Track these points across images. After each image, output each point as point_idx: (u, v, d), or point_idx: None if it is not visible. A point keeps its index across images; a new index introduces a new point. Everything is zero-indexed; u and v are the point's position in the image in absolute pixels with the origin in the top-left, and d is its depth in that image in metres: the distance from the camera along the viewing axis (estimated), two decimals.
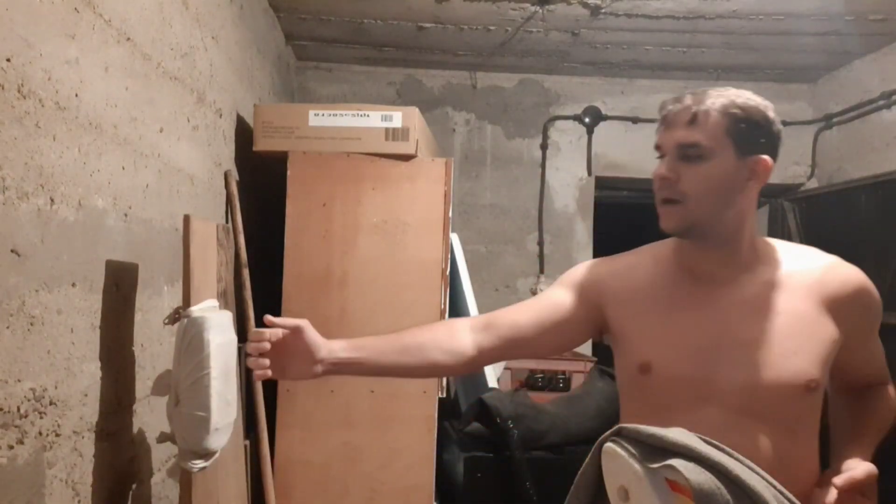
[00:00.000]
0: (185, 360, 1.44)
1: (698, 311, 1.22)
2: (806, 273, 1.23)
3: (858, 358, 1.29)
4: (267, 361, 1.19)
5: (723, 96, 1.18)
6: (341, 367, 1.25)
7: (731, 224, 1.21)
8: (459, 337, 1.32)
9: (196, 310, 1.51)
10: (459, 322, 1.37)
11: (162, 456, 1.77)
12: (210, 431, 1.44)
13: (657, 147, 1.25)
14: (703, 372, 1.18)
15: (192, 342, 1.44)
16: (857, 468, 1.13)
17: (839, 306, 1.21)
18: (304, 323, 1.23)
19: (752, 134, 1.18)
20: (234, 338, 1.61)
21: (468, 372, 1.46)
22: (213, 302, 1.67)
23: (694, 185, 1.18)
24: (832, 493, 1.10)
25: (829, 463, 1.21)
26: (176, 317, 1.53)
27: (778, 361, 1.17)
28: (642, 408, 1.24)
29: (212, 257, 1.76)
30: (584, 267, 1.38)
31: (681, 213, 1.20)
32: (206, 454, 1.49)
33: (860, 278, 1.26)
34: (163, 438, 1.54)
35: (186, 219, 1.60)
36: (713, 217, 1.19)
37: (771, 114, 1.21)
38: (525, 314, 1.34)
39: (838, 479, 1.11)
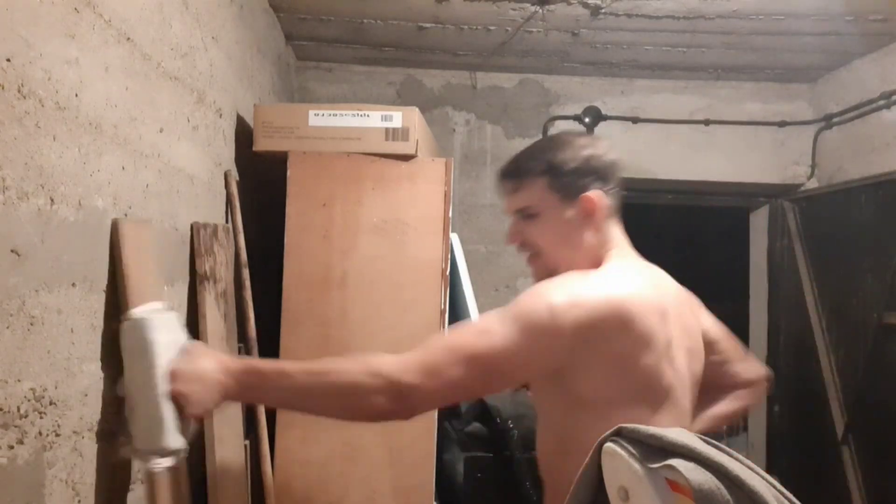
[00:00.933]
0: (131, 363, 1.43)
1: None
2: None
3: None
4: None
5: (537, 157, 1.33)
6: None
7: (582, 260, 1.32)
8: None
9: (137, 312, 1.50)
10: None
11: None
12: (165, 430, 1.43)
13: (505, 211, 1.41)
14: None
15: (136, 344, 1.43)
16: None
17: None
18: None
19: (570, 180, 1.31)
20: (182, 336, 1.57)
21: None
22: (158, 304, 1.64)
23: (539, 238, 1.35)
24: None
25: None
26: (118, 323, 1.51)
27: None
28: None
29: (150, 260, 1.69)
30: None
31: (542, 264, 1.36)
32: (167, 452, 1.48)
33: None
34: (123, 443, 1.53)
35: (115, 223, 1.49)
36: (568, 259, 1.33)
37: (586, 151, 1.32)
38: None
39: None
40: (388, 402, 1.15)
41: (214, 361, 1.29)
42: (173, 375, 1.28)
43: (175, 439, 1.46)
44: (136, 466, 1.63)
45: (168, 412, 1.42)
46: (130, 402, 1.45)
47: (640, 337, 1.20)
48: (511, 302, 1.24)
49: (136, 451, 1.44)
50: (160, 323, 1.46)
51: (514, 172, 1.35)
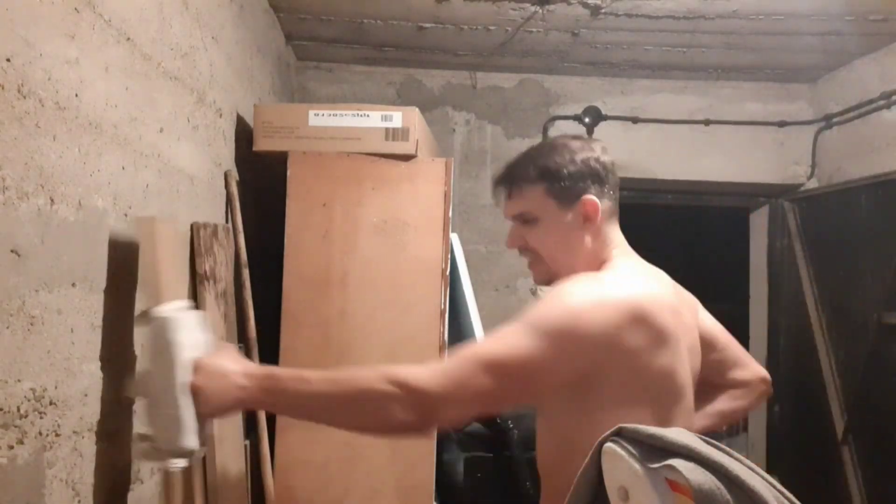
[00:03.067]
0: (156, 361, 1.44)
1: None
2: None
3: None
4: None
5: (530, 163, 1.32)
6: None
7: (582, 263, 1.31)
8: None
9: (163, 310, 1.50)
10: None
11: None
12: (183, 430, 1.43)
13: (504, 216, 1.40)
14: None
15: (161, 343, 1.43)
16: None
17: None
18: None
19: (565, 184, 1.30)
20: (206, 336, 1.58)
21: None
22: (183, 302, 1.65)
23: (539, 243, 1.34)
24: None
25: None
26: (144, 319, 1.52)
27: None
28: None
29: (179, 257, 1.72)
30: None
31: (543, 269, 1.35)
32: (185, 453, 1.48)
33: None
34: (139, 439, 1.54)
35: (149, 220, 1.54)
36: (569, 263, 1.32)
37: (582, 155, 1.31)
38: None
39: None
40: (408, 411, 1.11)
41: (238, 364, 1.26)
42: (195, 368, 1.25)
43: (193, 440, 1.46)
44: (142, 466, 1.63)
45: (188, 413, 1.42)
46: (150, 401, 1.45)
47: (658, 336, 1.20)
48: (530, 310, 1.21)
49: (153, 451, 1.44)
50: (185, 322, 1.46)
51: (509, 178, 1.34)
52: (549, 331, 1.15)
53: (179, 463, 1.47)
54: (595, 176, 1.31)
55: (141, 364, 1.50)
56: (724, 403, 1.55)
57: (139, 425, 1.60)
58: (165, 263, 1.57)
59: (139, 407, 1.51)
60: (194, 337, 1.50)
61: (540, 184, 1.30)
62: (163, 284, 1.54)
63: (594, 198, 1.30)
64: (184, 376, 1.41)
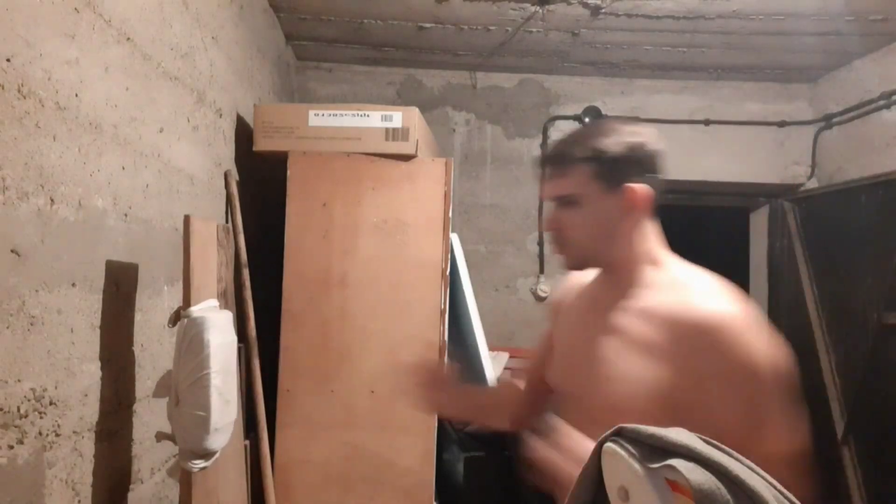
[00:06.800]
0: (185, 360, 1.44)
1: (583, 333, 1.32)
2: (657, 308, 1.21)
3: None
4: None
5: (582, 143, 1.27)
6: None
7: (619, 253, 1.28)
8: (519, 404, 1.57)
9: (196, 310, 1.52)
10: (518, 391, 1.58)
11: (162, 456, 1.77)
12: (210, 431, 1.44)
13: (542, 198, 1.35)
14: (573, 391, 1.32)
15: (192, 342, 1.44)
16: None
17: (662, 346, 1.17)
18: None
19: (617, 169, 1.25)
20: (234, 338, 1.60)
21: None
22: (214, 302, 1.67)
23: (576, 230, 1.28)
24: None
25: None
26: (176, 317, 1.53)
27: (609, 387, 1.22)
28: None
29: (212, 257, 1.76)
30: (556, 290, 1.52)
31: (575, 255, 1.30)
32: (206, 454, 1.49)
33: (698, 317, 1.15)
34: (161, 437, 1.55)
35: (187, 219, 1.60)
36: (603, 251, 1.29)
37: (634, 140, 1.26)
38: (537, 358, 1.51)
39: None
40: None
41: None
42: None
43: (216, 441, 1.46)
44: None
45: (214, 413, 1.42)
46: (175, 400, 1.45)
47: None
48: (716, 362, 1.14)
49: (179, 452, 1.45)
50: (217, 322, 1.47)
51: (558, 158, 1.28)
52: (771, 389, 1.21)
53: (200, 463, 1.47)
54: (642, 163, 1.25)
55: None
56: None
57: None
58: (198, 263, 1.58)
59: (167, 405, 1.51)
60: (226, 339, 1.50)
61: (587, 165, 1.24)
62: (194, 284, 1.55)
63: (639, 186, 1.24)
64: (213, 376, 1.41)
